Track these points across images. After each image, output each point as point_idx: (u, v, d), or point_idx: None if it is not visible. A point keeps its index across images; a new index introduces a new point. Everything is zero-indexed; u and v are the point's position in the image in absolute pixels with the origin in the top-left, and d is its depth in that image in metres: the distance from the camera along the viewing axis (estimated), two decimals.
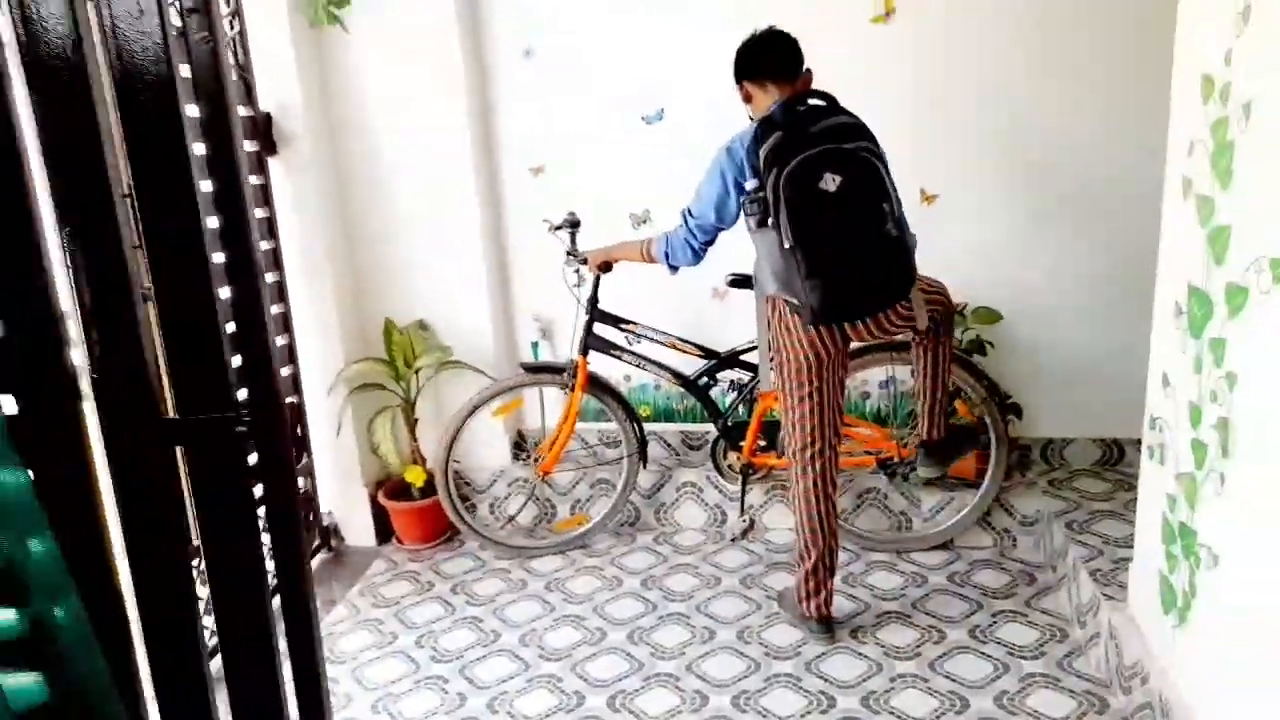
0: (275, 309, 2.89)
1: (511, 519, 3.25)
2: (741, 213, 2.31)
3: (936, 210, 2.94)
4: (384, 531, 3.26)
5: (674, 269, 2.54)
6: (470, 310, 3.22)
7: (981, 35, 2.81)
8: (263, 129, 2.84)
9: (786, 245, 2.14)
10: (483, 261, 3.19)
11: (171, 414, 1.25)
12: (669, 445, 3.36)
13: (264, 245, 2.82)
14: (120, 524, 1.25)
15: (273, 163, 2.92)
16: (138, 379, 1.20)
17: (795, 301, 2.23)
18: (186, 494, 1.31)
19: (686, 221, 2.42)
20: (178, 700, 1.31)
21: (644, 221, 3.17)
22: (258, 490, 1.31)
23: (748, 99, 2.32)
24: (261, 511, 1.33)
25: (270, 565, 1.34)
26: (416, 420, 3.19)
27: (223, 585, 1.31)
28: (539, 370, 3.03)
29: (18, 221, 1.08)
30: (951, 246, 2.87)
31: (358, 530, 3.25)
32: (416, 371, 3.14)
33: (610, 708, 2.27)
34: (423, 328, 3.24)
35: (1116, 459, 3.05)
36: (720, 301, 3.14)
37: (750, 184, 2.23)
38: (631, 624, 2.64)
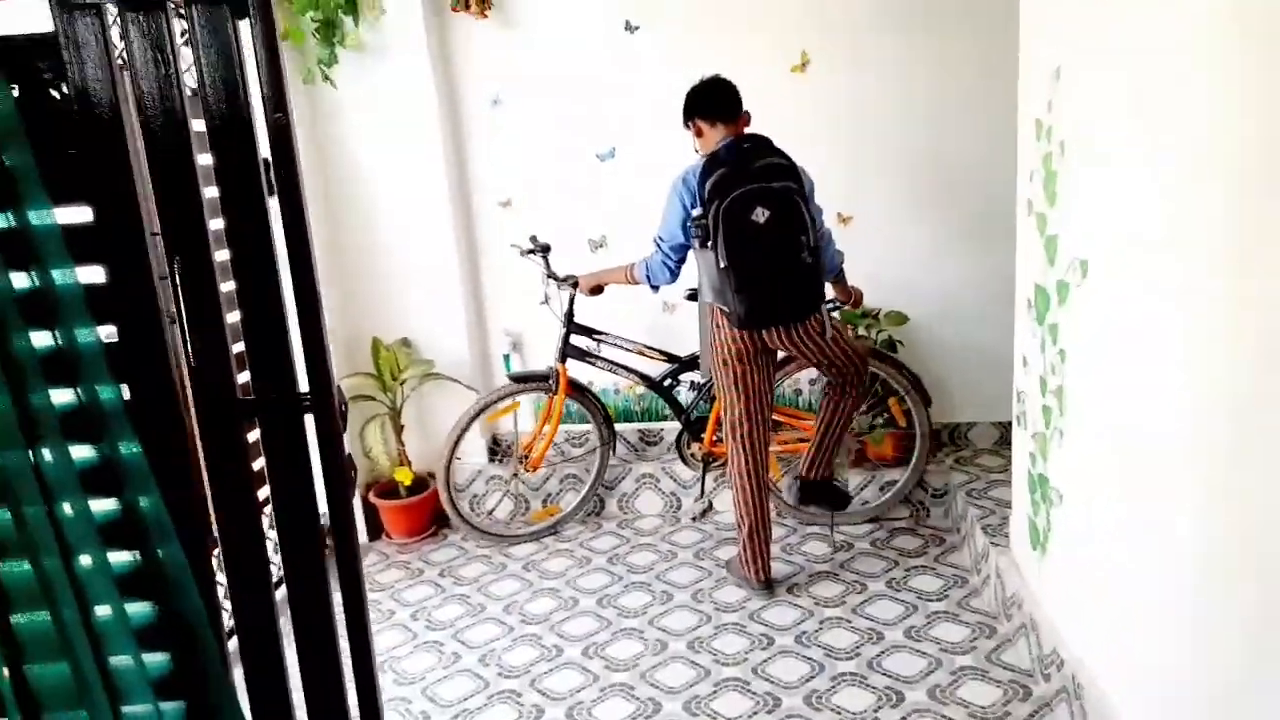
0: None
1: (490, 513, 3.63)
2: None
3: (852, 229, 3.43)
4: (374, 529, 3.61)
5: (655, 288, 2.99)
6: (448, 328, 3.62)
7: (880, 80, 3.31)
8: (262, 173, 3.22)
9: (722, 265, 2.59)
10: (459, 284, 3.60)
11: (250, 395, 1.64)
12: (628, 442, 3.78)
13: None
14: (209, 483, 1.64)
15: (271, 202, 3.29)
16: (223, 368, 1.60)
17: (726, 309, 2.68)
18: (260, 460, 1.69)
19: (660, 246, 2.85)
20: (252, 622, 1.69)
21: (601, 246, 3.61)
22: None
23: (699, 134, 2.76)
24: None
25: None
26: (403, 427, 3.56)
27: (287, 530, 1.69)
28: (526, 379, 3.40)
29: (133, 249, 1.47)
30: (865, 260, 3.34)
31: None
32: (402, 384, 3.51)
33: (585, 656, 2.68)
34: (406, 344, 3.62)
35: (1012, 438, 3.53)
36: (674, 314, 3.58)
37: (695, 211, 2.68)
38: (600, 593, 3.04)
